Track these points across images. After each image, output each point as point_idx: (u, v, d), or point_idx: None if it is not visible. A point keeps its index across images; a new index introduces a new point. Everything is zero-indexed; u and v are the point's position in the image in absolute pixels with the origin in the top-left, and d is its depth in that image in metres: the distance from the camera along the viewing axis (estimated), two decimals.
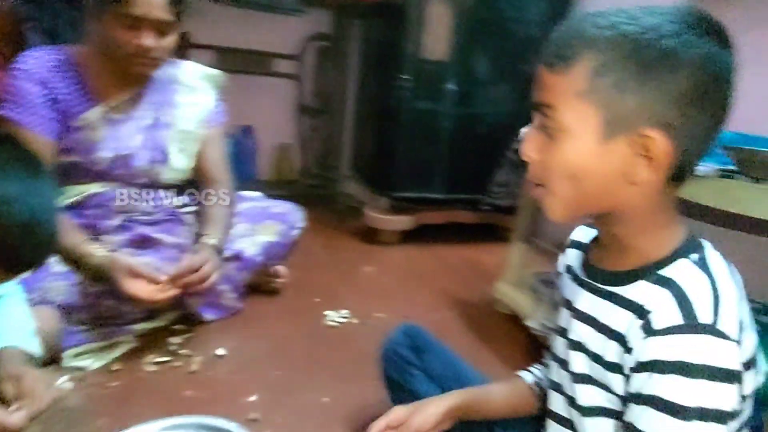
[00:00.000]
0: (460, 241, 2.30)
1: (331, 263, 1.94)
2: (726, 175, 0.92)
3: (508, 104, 2.18)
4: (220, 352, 1.29)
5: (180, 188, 1.55)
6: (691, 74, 0.52)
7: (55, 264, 1.22)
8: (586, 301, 0.65)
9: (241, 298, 1.50)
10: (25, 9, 1.97)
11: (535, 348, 1.45)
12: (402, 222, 2.17)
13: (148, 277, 1.18)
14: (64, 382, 1.13)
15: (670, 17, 0.53)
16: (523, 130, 1.48)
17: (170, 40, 1.28)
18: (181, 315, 1.41)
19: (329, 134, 2.47)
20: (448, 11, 1.99)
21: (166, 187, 1.49)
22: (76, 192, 1.36)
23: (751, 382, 0.56)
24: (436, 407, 0.80)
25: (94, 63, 1.32)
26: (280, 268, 1.61)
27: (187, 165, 1.47)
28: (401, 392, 0.97)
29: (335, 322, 1.50)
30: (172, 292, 1.19)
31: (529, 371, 0.87)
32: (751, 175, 0.88)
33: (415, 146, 2.10)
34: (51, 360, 1.15)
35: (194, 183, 1.56)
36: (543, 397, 0.84)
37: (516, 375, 0.88)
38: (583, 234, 0.76)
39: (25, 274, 0.84)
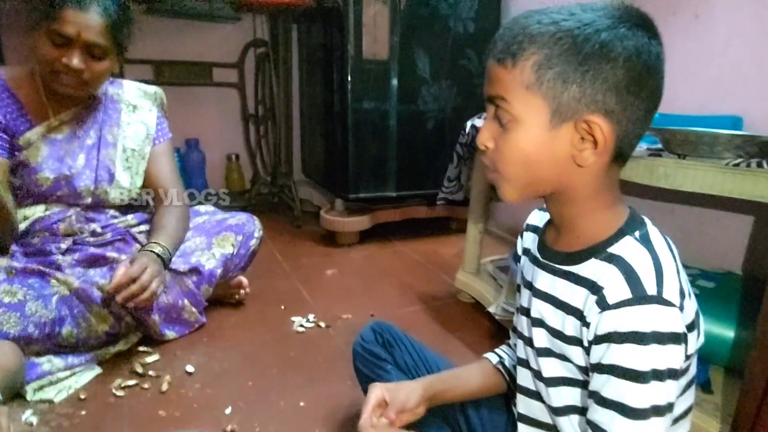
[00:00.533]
0: (416, 237, 2.36)
1: (293, 269, 1.94)
2: (654, 153, 1.00)
3: (450, 100, 2.24)
4: (189, 369, 1.28)
5: (132, 207, 1.53)
6: (625, 64, 0.57)
7: (5, 295, 1.17)
8: (544, 281, 0.70)
9: (203, 312, 1.49)
10: None
11: (498, 332, 1.51)
12: (359, 222, 2.20)
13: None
14: (28, 417, 1.10)
15: (605, 12, 0.59)
16: (468, 124, 1.54)
17: (105, 65, 1.26)
18: (144, 336, 1.39)
19: (277, 141, 2.46)
20: (385, 11, 2.02)
21: (115, 207, 1.46)
22: (21, 218, 1.32)
23: (693, 342, 0.62)
24: (413, 387, 0.83)
25: (31, 84, 1.30)
26: (243, 279, 1.61)
27: (135, 183, 1.45)
28: None
29: (303, 327, 1.51)
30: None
31: (494, 353, 0.92)
32: (676, 152, 0.96)
33: (364, 147, 2.13)
34: (14, 395, 1.11)
35: (146, 203, 1.55)
36: (509, 375, 0.90)
37: (482, 357, 0.93)
38: (538, 218, 0.81)
39: None
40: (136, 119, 1.47)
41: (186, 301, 1.41)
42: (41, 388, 1.18)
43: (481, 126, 0.66)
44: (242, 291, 1.62)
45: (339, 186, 2.22)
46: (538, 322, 0.71)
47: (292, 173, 2.52)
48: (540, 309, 0.70)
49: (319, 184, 2.47)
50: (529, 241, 0.80)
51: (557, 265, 0.69)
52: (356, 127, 2.09)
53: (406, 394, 0.80)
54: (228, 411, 1.13)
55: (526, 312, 0.75)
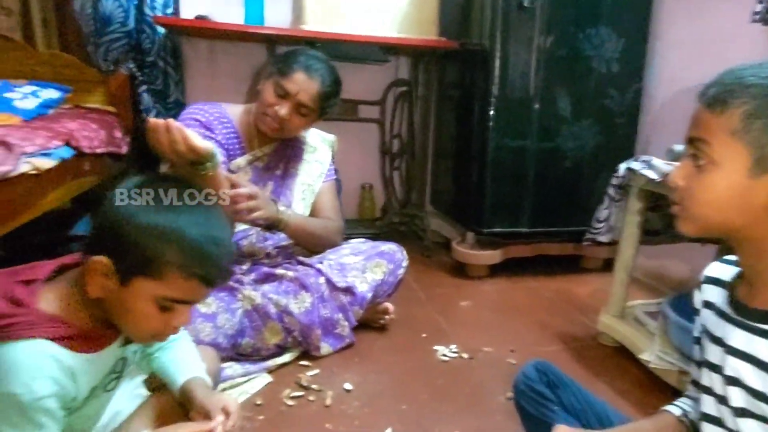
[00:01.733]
0: (547, 273, 2.33)
1: (428, 298, 2.01)
2: None
3: (590, 139, 2.22)
4: (348, 386, 1.38)
5: None
6: None
7: (201, 305, 1.35)
8: (740, 339, 0.69)
9: (353, 332, 1.59)
10: (140, 74, 2.21)
11: (649, 381, 1.46)
12: (491, 256, 2.23)
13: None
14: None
15: None
16: (623, 167, 1.53)
17: (303, 122, 1.50)
18: (304, 351, 1.52)
19: (412, 173, 2.57)
20: (529, 52, 2.07)
21: None
22: None
23: None
24: None
25: (245, 120, 1.56)
26: (389, 305, 1.70)
27: (305, 214, 1.63)
28: (541, 428, 1.01)
29: (446, 357, 1.57)
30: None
31: (676, 406, 0.91)
32: None
33: (501, 182, 2.17)
34: None
35: None
36: (690, 429, 0.88)
37: (663, 410, 0.92)
38: (721, 271, 0.80)
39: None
40: (314, 159, 1.69)
41: (341, 316, 1.53)
42: (224, 390, 1.33)
43: (677, 164, 0.69)
44: (387, 316, 1.71)
45: (472, 219, 2.27)
46: (734, 381, 0.70)
47: (424, 204, 2.61)
48: (737, 368, 0.69)
49: (451, 217, 2.54)
50: (713, 294, 0.79)
51: (755, 324, 0.68)
52: (495, 164, 2.14)
53: None
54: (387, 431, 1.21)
55: (715, 369, 0.74)
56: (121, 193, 0.79)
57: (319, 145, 1.71)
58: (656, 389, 1.42)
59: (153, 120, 0.91)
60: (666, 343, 1.47)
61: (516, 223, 2.23)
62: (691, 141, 0.68)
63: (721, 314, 0.75)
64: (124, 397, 1.00)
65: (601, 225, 1.63)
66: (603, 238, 1.67)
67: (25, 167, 1.28)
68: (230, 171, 1.51)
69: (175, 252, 0.76)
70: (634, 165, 1.50)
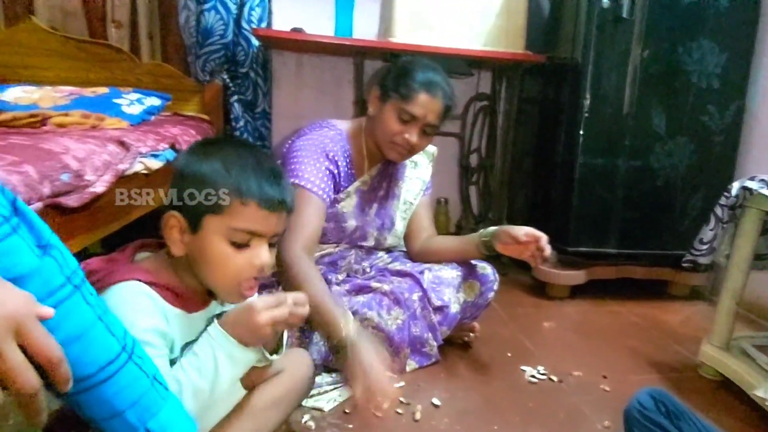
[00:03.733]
0: (632, 298, 2.22)
1: (510, 318, 1.95)
2: None
3: (684, 157, 2.11)
4: (436, 402, 1.35)
5: (389, 249, 1.71)
6: None
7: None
8: None
9: (439, 349, 1.56)
10: (232, 85, 2.30)
11: (762, 420, 1.35)
12: (574, 276, 2.15)
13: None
14: (307, 420, 1.25)
15: None
16: (736, 185, 1.44)
17: (430, 140, 1.45)
18: None
19: (491, 189, 2.53)
20: (624, 65, 2.00)
21: (384, 249, 1.64)
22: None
23: None
24: None
25: (357, 142, 1.52)
26: (476, 324, 1.66)
27: (404, 231, 1.63)
28: None
29: (534, 378, 1.51)
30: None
31: None
32: None
33: (588, 200, 2.09)
34: None
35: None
36: None
37: None
38: None
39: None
40: (416, 175, 1.66)
41: (429, 335, 1.50)
42: (313, 396, 1.33)
43: None
44: (472, 334, 1.67)
45: (556, 237, 2.18)
46: None
47: (503, 221, 2.56)
48: None
49: None
50: None
51: None
52: (583, 181, 2.07)
53: None
54: None
55: None
56: (184, 154, 0.89)
57: (420, 159, 1.67)
58: None
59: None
60: None
61: (602, 243, 2.14)
62: None
63: None
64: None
65: (705, 246, 1.53)
66: (704, 261, 1.56)
67: (138, 167, 1.34)
68: (339, 199, 1.47)
69: (229, 185, 0.82)
70: (751, 184, 1.41)
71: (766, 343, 1.55)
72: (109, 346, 0.67)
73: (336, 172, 1.45)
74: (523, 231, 1.39)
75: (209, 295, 0.92)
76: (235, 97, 2.31)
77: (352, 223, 1.50)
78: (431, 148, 1.69)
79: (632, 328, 1.94)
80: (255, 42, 2.22)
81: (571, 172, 2.08)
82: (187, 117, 2.06)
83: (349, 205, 1.49)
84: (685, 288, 2.31)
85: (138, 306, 0.80)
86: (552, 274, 2.16)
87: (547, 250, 1.38)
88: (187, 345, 0.88)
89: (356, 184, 1.50)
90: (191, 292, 0.89)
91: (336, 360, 1.30)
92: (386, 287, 1.47)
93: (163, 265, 0.88)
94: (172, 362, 0.85)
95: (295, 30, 2.08)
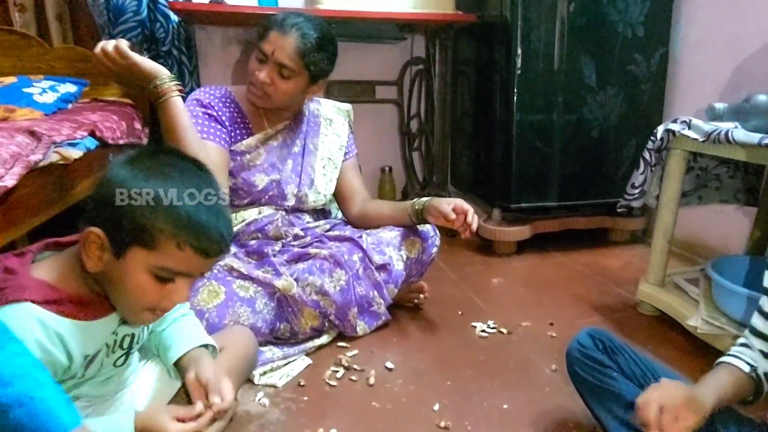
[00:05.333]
0: (575, 248, 2.29)
1: (459, 277, 1.98)
2: None
3: (615, 107, 2.17)
4: (389, 365, 1.36)
5: (323, 213, 1.69)
6: None
7: (239, 289, 1.33)
8: None
9: (388, 310, 1.56)
10: None
11: (694, 347, 1.43)
12: (519, 232, 2.20)
13: None
14: (261, 398, 1.23)
15: None
16: (661, 129, 1.49)
17: (289, 85, 1.41)
18: (340, 332, 1.50)
19: (433, 153, 2.54)
20: (552, 21, 2.02)
21: (310, 211, 1.62)
22: (238, 220, 1.51)
23: None
24: (684, 393, 0.81)
25: (248, 99, 1.50)
26: (424, 284, 1.68)
27: (328, 189, 1.62)
28: (600, 395, 0.99)
29: (485, 333, 1.54)
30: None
31: (741, 360, 0.88)
32: None
33: (527, 157, 2.12)
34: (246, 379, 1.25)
35: (325, 211, 1.71)
36: (759, 381, 0.85)
37: (726, 364, 0.88)
38: None
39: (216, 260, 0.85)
40: (332, 132, 1.65)
41: (376, 293, 1.50)
42: (265, 373, 1.32)
43: None
44: (421, 295, 1.69)
45: (499, 196, 2.23)
46: None
47: (447, 184, 2.58)
48: None
49: (475, 195, 2.50)
50: None
51: None
52: (520, 139, 2.10)
53: (678, 402, 0.79)
54: (436, 407, 1.19)
55: None
56: (116, 165, 0.79)
57: (334, 116, 1.67)
58: (702, 355, 1.39)
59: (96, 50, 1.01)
60: (711, 307, 1.44)
61: (543, 197, 2.19)
62: None
63: None
64: (160, 380, 1.00)
65: (636, 190, 1.59)
66: (637, 204, 1.62)
67: (54, 157, 1.26)
68: (242, 152, 1.47)
69: (165, 220, 0.76)
70: (673, 126, 1.46)
71: (698, 276, 1.63)
72: None
73: (214, 114, 1.44)
74: (451, 206, 1.41)
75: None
76: None
77: (261, 177, 1.48)
78: (345, 106, 1.70)
79: (577, 276, 2.01)
80: (174, 17, 2.11)
81: (508, 130, 2.11)
82: (109, 102, 1.95)
83: (256, 157, 1.48)
84: (625, 233, 2.40)
85: (24, 335, 0.73)
86: (498, 231, 2.20)
87: (474, 224, 1.41)
88: (94, 357, 0.84)
89: (259, 136, 1.50)
90: (96, 299, 0.84)
91: None
92: (325, 252, 1.45)
93: (68, 269, 0.82)
94: (72, 379, 0.82)
95: (214, 2, 1.99)
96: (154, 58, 2.15)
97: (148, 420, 0.84)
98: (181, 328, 1.03)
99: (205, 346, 1.02)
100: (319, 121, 1.63)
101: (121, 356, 0.92)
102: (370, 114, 2.65)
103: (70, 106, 1.80)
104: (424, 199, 1.51)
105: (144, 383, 1.00)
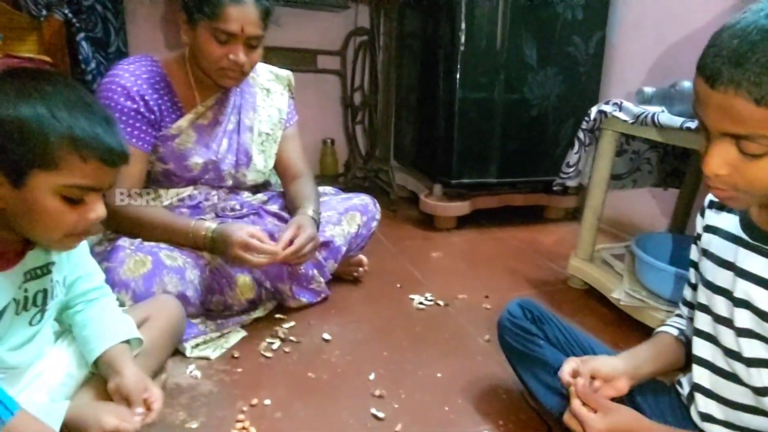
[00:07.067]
0: (512, 224, 2.36)
1: (399, 251, 1.99)
2: None
3: (555, 87, 2.22)
4: (326, 336, 1.35)
5: (262, 186, 1.63)
6: None
7: (166, 258, 1.27)
8: (755, 263, 0.70)
9: (327, 285, 1.55)
10: (76, 20, 2.03)
11: (618, 319, 1.51)
12: (459, 208, 2.23)
13: (261, 250, 1.24)
14: (192, 370, 1.20)
15: None
16: (594, 110, 1.53)
17: (259, 53, 1.32)
18: (277, 305, 1.48)
19: (376, 127, 2.52)
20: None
21: (249, 188, 1.55)
22: (171, 195, 1.42)
23: None
24: (610, 360, 0.86)
25: (181, 72, 1.37)
26: (363, 258, 1.67)
27: (267, 165, 1.53)
28: (527, 362, 1.02)
29: (422, 305, 1.56)
30: (282, 257, 1.26)
31: (671, 326, 0.93)
32: None
33: (468, 134, 2.15)
34: (174, 350, 1.21)
35: (266, 184, 1.64)
36: (689, 347, 0.90)
37: (659, 331, 0.94)
38: None
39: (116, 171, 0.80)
40: (269, 104, 1.53)
41: (315, 272, 1.48)
42: (197, 345, 1.28)
43: (709, 153, 0.62)
44: (361, 269, 1.69)
45: (440, 171, 2.25)
46: (743, 303, 0.71)
47: (390, 158, 2.57)
48: (747, 291, 0.70)
49: (417, 170, 2.51)
50: (719, 219, 0.79)
51: None
52: (462, 115, 2.11)
53: (606, 367, 0.82)
54: (372, 377, 1.20)
55: (722, 291, 0.75)
56: None
57: (271, 85, 1.53)
58: (625, 326, 1.47)
59: None
60: (634, 281, 1.52)
61: (483, 174, 2.23)
62: (731, 135, 0.60)
63: (733, 239, 0.75)
64: (75, 362, 0.95)
65: (571, 169, 1.64)
66: (571, 183, 1.68)
67: None
68: (172, 135, 1.34)
69: (62, 135, 0.71)
70: (606, 108, 1.51)
71: (623, 252, 1.72)
72: None
73: (144, 110, 1.29)
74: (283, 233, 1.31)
75: (26, 244, 0.81)
76: (82, 35, 2.03)
77: (196, 160, 1.37)
78: (284, 73, 1.57)
79: (513, 251, 2.07)
80: None
81: (451, 106, 2.12)
82: (24, 59, 1.80)
83: (186, 141, 1.36)
84: (559, 211, 2.49)
85: None
86: (438, 206, 2.22)
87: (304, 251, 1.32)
88: (2, 312, 0.78)
89: (189, 117, 1.36)
90: (2, 247, 0.78)
91: (219, 256, 1.33)
92: (257, 227, 1.41)
93: None
94: None
95: None
96: (76, 13, 1.99)
97: (81, 413, 0.81)
98: (101, 317, 0.96)
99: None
100: (254, 91, 1.50)
101: (36, 314, 0.86)
102: (312, 84, 2.59)
103: None
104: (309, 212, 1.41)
105: (58, 363, 0.94)
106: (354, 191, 1.76)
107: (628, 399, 0.91)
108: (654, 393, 0.92)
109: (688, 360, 0.84)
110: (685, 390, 0.88)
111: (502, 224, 2.35)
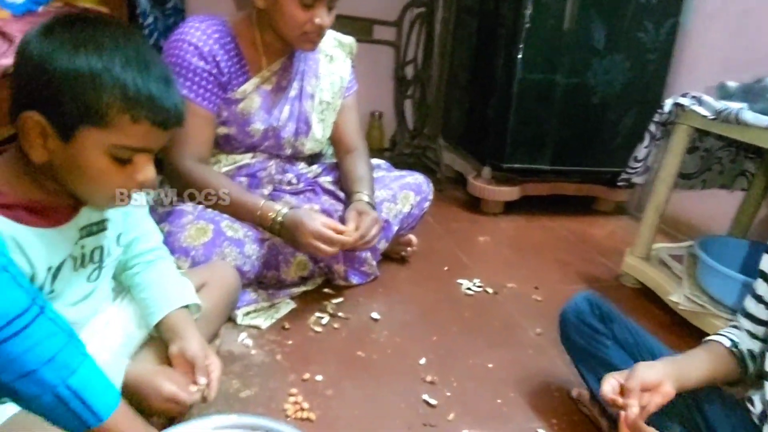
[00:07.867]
0: (562, 213, 2.29)
1: (446, 232, 1.96)
2: None
3: (620, 75, 2.12)
4: (375, 315, 1.34)
5: (317, 156, 1.60)
6: None
7: (228, 229, 1.26)
8: None
9: (378, 265, 1.54)
10: None
11: (673, 323, 1.45)
12: (508, 192, 2.18)
13: (336, 241, 1.21)
14: (244, 339, 1.20)
15: None
16: (669, 102, 1.45)
17: (333, 15, 1.29)
18: (327, 279, 1.47)
19: (428, 103, 2.46)
20: None
21: (305, 158, 1.53)
22: (229, 162, 1.40)
23: None
24: (651, 365, 0.83)
25: (249, 34, 1.34)
26: (413, 237, 1.65)
27: (325, 135, 1.51)
28: (591, 359, 0.99)
29: (471, 291, 1.53)
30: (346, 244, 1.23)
31: (725, 337, 0.88)
32: None
33: (525, 117, 2.07)
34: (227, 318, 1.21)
35: (320, 154, 1.61)
36: (742, 360, 0.86)
37: (710, 341, 0.89)
38: None
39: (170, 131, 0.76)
40: (331, 71, 1.49)
41: (369, 255, 1.47)
42: (248, 313, 1.28)
43: None
44: (409, 248, 1.66)
45: (491, 154, 2.19)
46: None
47: (438, 137, 2.52)
48: None
49: (467, 150, 2.44)
50: None
51: None
52: (520, 97, 2.04)
53: (651, 375, 0.79)
54: (422, 362, 1.18)
55: None
56: (34, 39, 0.68)
57: (335, 52, 1.50)
58: (681, 331, 1.42)
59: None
60: (694, 285, 1.46)
61: (536, 159, 2.15)
62: None
63: None
64: (135, 322, 0.95)
65: (639, 164, 1.57)
66: (638, 180, 1.61)
67: None
68: (237, 99, 1.32)
69: (115, 93, 0.68)
70: (683, 100, 1.43)
71: (682, 253, 1.65)
72: (16, 298, 0.61)
73: (216, 71, 1.27)
74: (354, 222, 1.28)
75: (79, 200, 0.79)
76: None
77: (258, 126, 1.35)
78: (347, 39, 1.54)
79: (562, 242, 2.01)
80: None
81: (509, 87, 2.04)
82: (82, 10, 1.79)
83: (250, 105, 1.34)
84: (611, 204, 2.40)
85: None
86: (487, 190, 2.17)
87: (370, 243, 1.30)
88: (58, 269, 0.78)
89: (255, 81, 1.34)
90: (55, 202, 0.76)
91: (283, 239, 1.29)
92: (316, 207, 1.39)
93: (15, 173, 0.73)
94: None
95: None
96: None
97: (140, 376, 0.82)
98: (160, 281, 0.95)
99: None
100: (317, 57, 1.46)
101: (94, 270, 0.86)
102: (365, 54, 2.50)
103: (40, 8, 1.65)
104: (365, 198, 1.37)
105: (117, 321, 0.94)
106: (398, 168, 1.72)
107: (695, 407, 0.87)
108: (723, 405, 0.88)
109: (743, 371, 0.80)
110: (757, 408, 0.84)
111: (551, 213, 2.28)
